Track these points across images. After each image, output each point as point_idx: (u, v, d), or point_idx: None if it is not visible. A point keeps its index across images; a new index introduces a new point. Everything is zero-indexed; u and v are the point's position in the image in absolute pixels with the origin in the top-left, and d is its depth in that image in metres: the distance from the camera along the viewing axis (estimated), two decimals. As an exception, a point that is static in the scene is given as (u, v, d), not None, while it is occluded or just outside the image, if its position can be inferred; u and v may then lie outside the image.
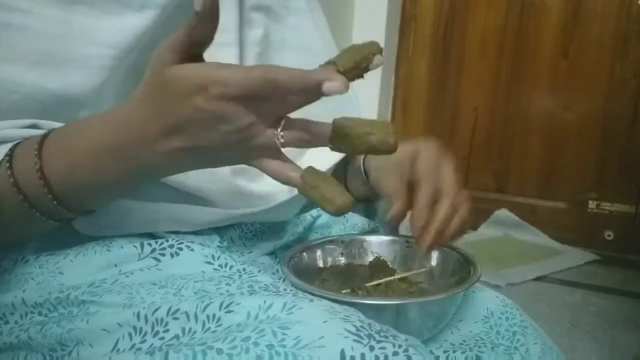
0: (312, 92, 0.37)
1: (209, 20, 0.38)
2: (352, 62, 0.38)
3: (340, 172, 0.66)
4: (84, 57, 0.46)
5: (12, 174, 0.43)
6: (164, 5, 0.49)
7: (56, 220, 0.46)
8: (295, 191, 0.52)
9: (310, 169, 0.42)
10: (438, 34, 2.20)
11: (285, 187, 0.55)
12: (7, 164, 0.43)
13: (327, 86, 0.36)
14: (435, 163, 0.56)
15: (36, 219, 0.45)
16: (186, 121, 0.39)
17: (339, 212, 0.41)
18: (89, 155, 0.42)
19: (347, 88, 0.37)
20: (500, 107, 2.17)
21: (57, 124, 0.46)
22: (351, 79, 0.39)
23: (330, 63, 0.39)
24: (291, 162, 0.42)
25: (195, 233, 0.53)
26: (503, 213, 2.19)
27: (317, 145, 0.41)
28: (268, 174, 0.42)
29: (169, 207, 0.50)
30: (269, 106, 0.39)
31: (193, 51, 0.40)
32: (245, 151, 0.41)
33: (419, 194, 0.55)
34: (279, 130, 0.40)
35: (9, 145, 0.44)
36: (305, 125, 0.40)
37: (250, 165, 0.43)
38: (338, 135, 0.40)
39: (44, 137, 0.44)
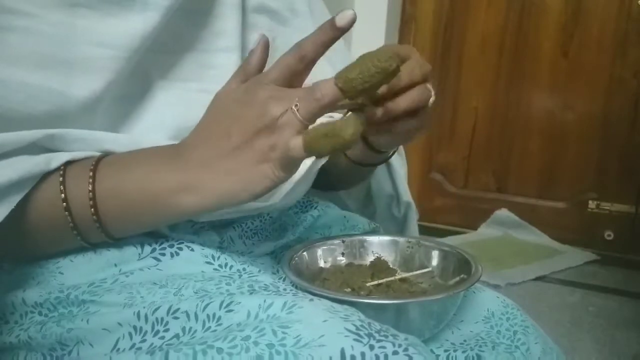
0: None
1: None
2: (352, 80, 0.41)
3: None
4: (88, 58, 0.46)
5: (63, 190, 0.44)
6: (166, 7, 0.49)
7: (88, 243, 0.47)
8: (294, 181, 0.53)
9: (310, 132, 0.42)
10: (438, 34, 2.21)
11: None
12: (60, 178, 0.44)
13: (339, 21, 0.42)
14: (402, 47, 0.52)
15: (70, 239, 0.46)
16: (235, 119, 0.43)
17: (353, 139, 0.41)
18: (143, 200, 0.44)
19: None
20: (500, 107, 2.18)
21: (73, 132, 0.46)
22: (356, 95, 0.41)
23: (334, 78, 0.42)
24: (292, 117, 0.42)
25: (195, 233, 0.53)
26: (503, 213, 2.19)
27: (331, 104, 0.42)
28: (290, 152, 0.42)
29: None
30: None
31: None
32: (274, 134, 0.42)
33: None
34: (292, 106, 0.41)
35: (34, 160, 0.44)
36: (309, 88, 0.42)
37: (275, 156, 0.43)
38: (344, 81, 0.41)
39: (99, 159, 0.45)
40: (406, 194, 0.73)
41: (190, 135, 0.45)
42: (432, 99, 0.52)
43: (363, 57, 0.41)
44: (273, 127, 0.42)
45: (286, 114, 0.41)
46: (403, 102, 0.49)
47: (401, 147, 0.72)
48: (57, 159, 0.45)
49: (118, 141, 0.48)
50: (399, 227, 0.76)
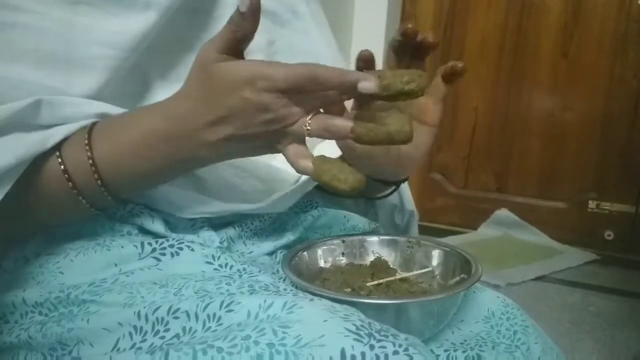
0: (349, 89, 0.42)
1: (251, 19, 0.42)
2: (396, 83, 0.43)
3: None
4: (87, 57, 0.46)
5: (62, 162, 0.45)
6: (167, 6, 0.49)
7: (96, 209, 0.47)
8: (291, 186, 0.53)
9: (321, 156, 0.44)
10: (438, 34, 2.20)
11: (281, 182, 0.56)
12: (57, 152, 0.45)
13: (362, 84, 0.41)
14: None
15: (79, 206, 0.46)
16: (233, 111, 0.42)
17: (353, 189, 0.43)
18: (137, 143, 0.45)
19: (379, 88, 0.41)
20: (500, 107, 2.18)
21: (61, 99, 0.46)
22: (391, 98, 0.44)
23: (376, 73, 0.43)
24: (306, 149, 0.45)
25: (196, 233, 0.53)
26: (503, 213, 2.19)
27: (338, 137, 0.44)
28: (288, 158, 0.45)
29: (169, 190, 0.51)
30: (306, 99, 0.43)
31: (235, 48, 0.44)
32: (278, 137, 0.44)
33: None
34: (307, 119, 0.43)
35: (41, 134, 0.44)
36: (330, 118, 0.43)
37: (275, 151, 0.46)
38: (359, 126, 0.42)
39: (91, 127, 0.46)
40: (410, 203, 0.73)
41: (185, 107, 0.44)
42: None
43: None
44: (281, 132, 0.44)
45: (296, 124, 0.43)
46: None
47: None
48: (53, 137, 0.45)
49: (108, 106, 0.48)
50: (399, 234, 0.75)
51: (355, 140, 0.43)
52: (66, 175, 0.45)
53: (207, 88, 0.43)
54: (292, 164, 0.45)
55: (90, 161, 0.45)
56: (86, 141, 0.45)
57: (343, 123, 0.43)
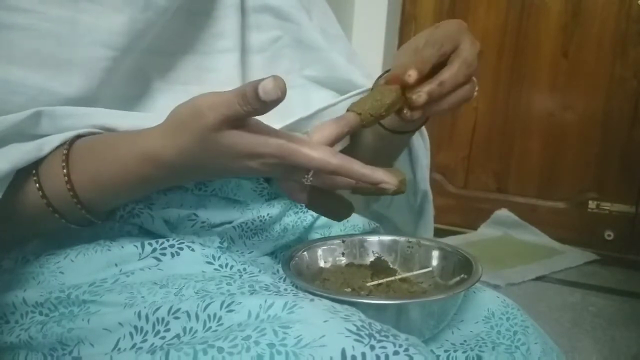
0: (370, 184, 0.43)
1: (270, 108, 0.39)
2: (372, 113, 0.48)
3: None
4: (86, 58, 0.46)
5: (37, 181, 0.44)
6: (165, 8, 0.49)
7: (75, 224, 0.47)
8: None
9: (316, 189, 0.46)
10: (438, 34, 2.20)
11: None
12: (33, 171, 0.44)
13: (384, 186, 0.42)
14: (454, 30, 0.50)
15: (56, 222, 0.46)
16: (236, 172, 0.43)
17: (344, 219, 0.48)
18: (122, 183, 0.44)
19: (397, 187, 0.43)
20: (500, 107, 2.18)
21: (62, 109, 0.46)
22: (370, 123, 0.48)
23: (352, 110, 0.48)
24: (301, 182, 0.45)
25: (196, 233, 0.53)
26: (503, 213, 2.19)
27: (338, 189, 0.46)
28: (282, 189, 0.47)
29: None
30: None
31: (241, 119, 0.41)
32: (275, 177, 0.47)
33: (425, 50, 0.49)
34: (309, 175, 0.43)
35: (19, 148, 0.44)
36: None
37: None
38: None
39: (69, 146, 0.45)
40: (424, 183, 0.72)
41: (180, 161, 0.43)
42: (475, 93, 0.53)
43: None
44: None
45: (297, 175, 0.44)
46: (445, 105, 0.51)
47: (427, 138, 0.72)
48: (49, 144, 0.45)
49: (110, 115, 0.48)
50: (414, 217, 0.75)
51: (352, 193, 0.46)
52: (40, 193, 0.45)
53: (210, 149, 0.41)
54: (287, 195, 0.47)
55: (68, 185, 0.44)
56: (63, 163, 0.44)
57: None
